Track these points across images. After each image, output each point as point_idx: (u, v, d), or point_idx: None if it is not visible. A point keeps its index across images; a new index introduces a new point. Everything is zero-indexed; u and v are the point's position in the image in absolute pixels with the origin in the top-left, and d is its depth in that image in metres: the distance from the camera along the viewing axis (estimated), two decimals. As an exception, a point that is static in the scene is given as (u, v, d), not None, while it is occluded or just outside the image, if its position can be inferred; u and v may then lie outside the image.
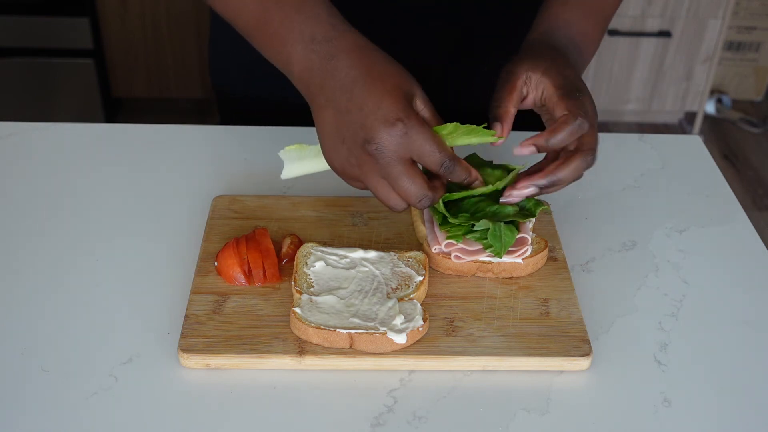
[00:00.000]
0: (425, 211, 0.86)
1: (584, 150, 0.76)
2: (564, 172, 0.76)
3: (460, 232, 0.79)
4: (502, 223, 0.78)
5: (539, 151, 0.76)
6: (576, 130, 0.74)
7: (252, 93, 1.12)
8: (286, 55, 0.75)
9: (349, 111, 0.71)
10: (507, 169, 0.86)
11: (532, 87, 0.78)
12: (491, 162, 0.85)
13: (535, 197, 0.80)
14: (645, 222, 0.92)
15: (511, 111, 0.77)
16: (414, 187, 0.71)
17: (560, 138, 0.74)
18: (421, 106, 0.73)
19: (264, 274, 0.78)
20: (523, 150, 0.76)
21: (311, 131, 1.03)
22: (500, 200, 0.79)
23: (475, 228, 0.78)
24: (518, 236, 0.79)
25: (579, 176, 0.77)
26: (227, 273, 0.78)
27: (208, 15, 1.22)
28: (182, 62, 2.69)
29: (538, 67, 0.78)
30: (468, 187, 0.77)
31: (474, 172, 0.75)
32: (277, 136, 1.03)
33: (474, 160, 0.85)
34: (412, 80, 0.73)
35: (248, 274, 0.78)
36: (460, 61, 1.09)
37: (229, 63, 1.14)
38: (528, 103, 0.79)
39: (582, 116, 0.74)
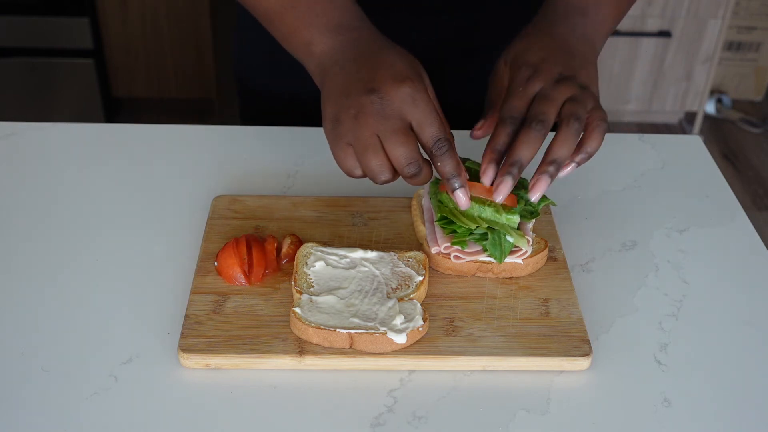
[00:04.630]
0: (425, 212, 0.86)
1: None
2: (520, 151, 0.73)
3: (464, 238, 0.79)
4: (501, 231, 0.78)
5: (499, 161, 0.74)
6: (508, 132, 0.74)
7: (274, 86, 1.12)
8: (309, 37, 0.76)
9: (359, 71, 0.72)
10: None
11: (509, 74, 0.79)
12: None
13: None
14: (645, 222, 0.92)
15: (498, 108, 0.78)
16: (406, 149, 0.70)
17: (500, 143, 0.74)
18: (431, 93, 0.73)
19: (264, 274, 0.78)
20: (488, 174, 0.75)
21: (320, 131, 1.03)
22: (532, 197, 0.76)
23: (474, 232, 0.79)
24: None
25: (556, 148, 0.73)
26: (227, 273, 0.78)
27: (208, 14, 1.22)
28: (182, 62, 2.69)
29: (508, 59, 0.80)
30: (452, 191, 0.74)
31: (463, 172, 0.74)
32: (278, 135, 1.03)
33: (473, 167, 0.84)
34: (424, 71, 0.75)
35: (248, 274, 0.78)
36: (460, 57, 1.09)
37: (253, 53, 1.13)
38: None
39: (506, 117, 0.74)
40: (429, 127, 0.70)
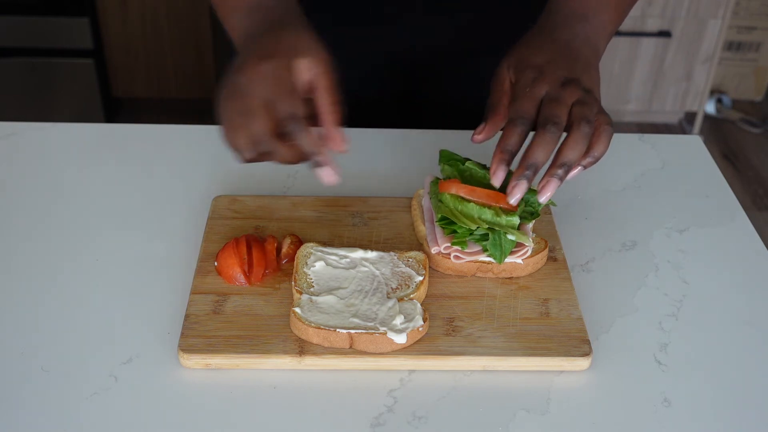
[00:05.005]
0: (425, 212, 0.86)
1: (541, 124, 0.73)
2: (535, 153, 0.73)
3: (464, 238, 0.79)
4: (501, 231, 0.78)
5: (509, 162, 0.74)
6: (519, 132, 0.74)
7: None
8: (233, 22, 0.82)
9: (246, 52, 0.75)
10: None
11: (513, 78, 0.79)
12: (485, 165, 0.85)
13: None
14: (645, 222, 0.92)
15: (499, 111, 0.78)
16: (258, 124, 0.69)
17: (511, 143, 0.74)
18: (317, 70, 0.73)
19: (264, 274, 0.78)
20: (498, 174, 0.74)
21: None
22: (540, 199, 0.76)
23: (474, 232, 0.79)
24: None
25: (566, 151, 0.73)
26: (227, 273, 0.78)
27: (208, 14, 1.22)
28: (182, 62, 2.69)
29: (512, 62, 0.79)
30: (314, 167, 0.71)
31: (324, 148, 0.71)
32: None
33: (473, 168, 0.84)
34: (319, 50, 0.74)
35: (248, 274, 0.78)
36: (459, 58, 1.09)
37: None
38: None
39: (516, 117, 0.74)
40: (279, 105, 0.70)
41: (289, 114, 0.69)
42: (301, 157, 0.71)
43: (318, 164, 0.70)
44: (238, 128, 0.70)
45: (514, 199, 0.75)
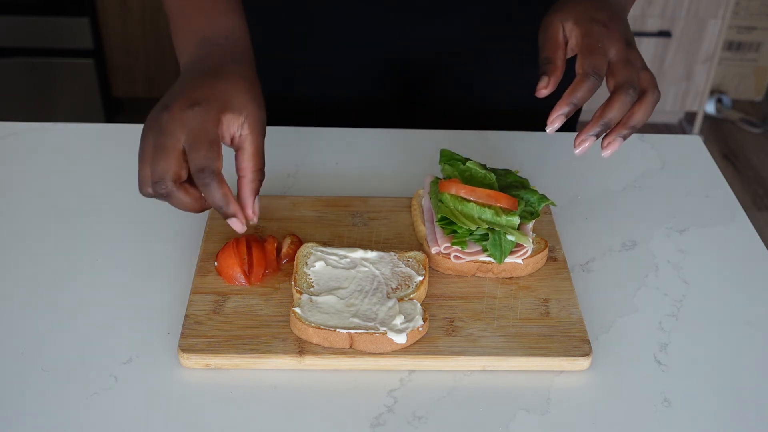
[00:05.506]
0: (425, 212, 0.86)
1: (621, 86, 0.75)
2: (611, 113, 0.75)
3: (464, 238, 0.79)
4: (501, 231, 0.78)
5: (569, 115, 0.75)
6: (590, 87, 0.75)
7: (273, 87, 1.12)
8: (181, 46, 0.81)
9: (181, 86, 0.74)
10: (499, 173, 0.86)
11: (567, 34, 0.79)
12: (485, 165, 0.85)
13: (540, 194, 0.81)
14: (645, 222, 0.92)
15: (558, 64, 0.78)
16: (160, 166, 0.69)
17: (579, 96, 0.75)
18: (246, 131, 0.73)
19: (264, 274, 0.78)
20: (555, 124, 0.76)
21: (320, 131, 1.04)
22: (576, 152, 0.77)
23: (474, 232, 0.79)
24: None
25: (639, 114, 0.76)
26: (227, 273, 0.78)
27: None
28: (182, 62, 2.69)
29: (569, 16, 0.79)
30: (224, 218, 0.72)
31: (232, 200, 0.71)
32: (278, 135, 1.03)
33: (474, 168, 0.84)
34: (254, 108, 0.74)
35: (248, 274, 0.78)
36: (458, 59, 1.09)
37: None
38: (569, 52, 0.80)
39: (591, 73, 0.74)
40: (194, 153, 0.69)
41: (203, 165, 0.69)
42: (202, 208, 0.73)
43: (227, 215, 0.72)
44: (146, 161, 0.71)
45: (579, 149, 0.76)
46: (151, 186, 0.71)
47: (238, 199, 0.74)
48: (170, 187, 0.70)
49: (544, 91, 0.78)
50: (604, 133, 0.76)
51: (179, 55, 0.81)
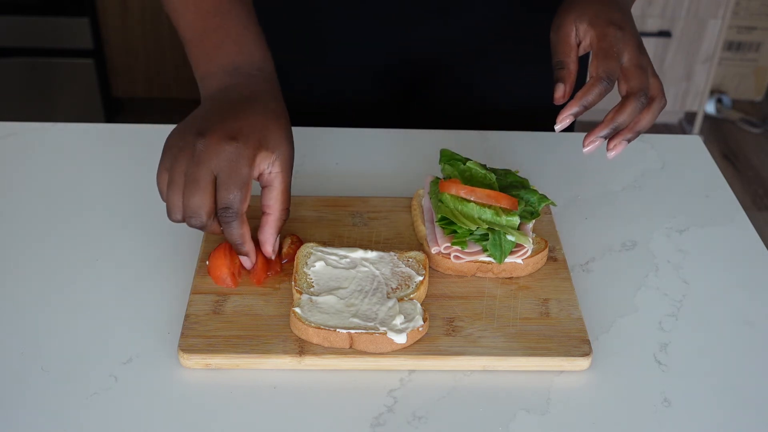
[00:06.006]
0: (425, 212, 0.86)
1: (634, 92, 0.77)
2: (622, 117, 0.77)
3: (464, 238, 0.79)
4: (501, 231, 0.78)
5: (578, 115, 0.77)
6: (602, 92, 0.76)
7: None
8: (207, 70, 0.80)
9: (216, 114, 0.74)
10: (499, 173, 0.86)
11: (581, 36, 0.80)
12: (485, 165, 0.85)
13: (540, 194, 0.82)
14: (645, 222, 0.92)
15: (572, 69, 0.79)
16: (195, 199, 0.70)
17: (590, 100, 0.76)
18: (277, 169, 0.74)
19: (265, 276, 0.78)
20: (564, 122, 0.77)
21: (320, 131, 1.04)
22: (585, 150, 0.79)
23: (474, 232, 0.79)
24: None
25: (645, 120, 0.78)
26: (215, 273, 0.78)
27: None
28: (182, 62, 2.69)
29: (584, 17, 0.80)
30: (238, 254, 0.76)
31: (248, 241, 0.75)
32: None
33: (474, 168, 0.84)
34: (286, 148, 0.75)
35: (236, 277, 0.78)
36: (457, 59, 1.09)
37: None
38: (581, 51, 0.81)
39: (605, 78, 0.76)
40: (224, 191, 0.71)
41: (229, 205, 0.71)
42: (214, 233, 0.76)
43: (240, 253, 0.76)
44: (177, 190, 0.71)
45: (587, 149, 0.78)
46: (182, 216, 0.72)
47: (260, 235, 0.76)
48: (204, 221, 0.72)
49: (561, 99, 0.79)
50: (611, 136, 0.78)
51: (203, 78, 0.80)
